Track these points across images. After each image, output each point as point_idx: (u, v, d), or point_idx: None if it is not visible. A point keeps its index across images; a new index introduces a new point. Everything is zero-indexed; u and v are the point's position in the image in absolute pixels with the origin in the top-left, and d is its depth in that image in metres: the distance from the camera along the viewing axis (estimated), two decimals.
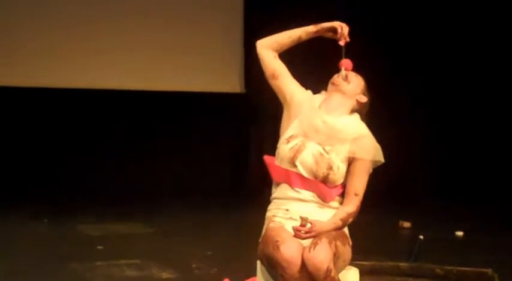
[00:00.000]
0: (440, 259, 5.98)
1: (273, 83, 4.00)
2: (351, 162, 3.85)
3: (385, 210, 8.37)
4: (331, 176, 3.82)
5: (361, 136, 3.87)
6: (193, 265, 5.98)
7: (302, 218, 3.65)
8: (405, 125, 9.43)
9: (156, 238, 7.16)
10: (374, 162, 3.88)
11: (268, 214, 3.92)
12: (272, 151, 3.99)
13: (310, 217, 3.67)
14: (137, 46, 9.13)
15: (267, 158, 3.98)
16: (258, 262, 3.90)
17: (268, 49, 4.00)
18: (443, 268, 5.69)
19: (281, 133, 3.96)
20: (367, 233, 6.42)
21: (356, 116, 3.94)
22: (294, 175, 3.83)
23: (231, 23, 9.51)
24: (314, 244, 3.59)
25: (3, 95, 8.73)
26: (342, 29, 3.96)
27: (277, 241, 3.63)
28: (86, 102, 9.04)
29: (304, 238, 3.64)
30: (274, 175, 3.93)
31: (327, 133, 3.84)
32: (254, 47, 4.06)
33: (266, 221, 3.91)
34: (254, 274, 4.06)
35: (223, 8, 9.54)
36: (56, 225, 7.44)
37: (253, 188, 8.69)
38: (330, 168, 3.81)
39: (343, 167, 3.84)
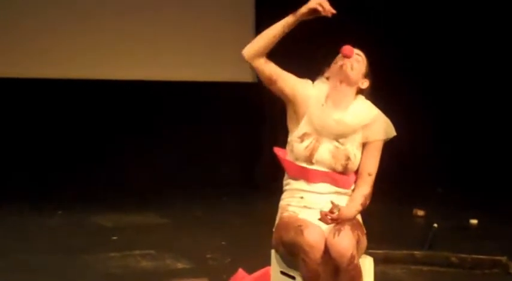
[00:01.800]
0: (455, 247, 5.98)
1: (273, 88, 3.88)
2: (364, 145, 3.87)
3: (399, 198, 8.36)
4: (349, 166, 3.83)
5: (371, 121, 3.86)
6: (208, 255, 5.99)
7: (333, 204, 3.65)
8: (419, 113, 9.37)
9: (169, 229, 7.16)
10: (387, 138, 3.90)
11: (282, 202, 3.92)
12: (284, 141, 3.96)
13: (328, 204, 3.67)
14: (149, 36, 9.10)
15: (277, 150, 3.97)
16: (273, 251, 3.90)
17: (256, 57, 3.82)
18: (458, 256, 5.70)
19: (290, 129, 3.92)
20: (381, 221, 6.44)
21: (361, 98, 3.91)
22: (312, 172, 3.82)
23: (243, 12, 9.47)
24: (338, 231, 3.62)
25: (24, 86, 8.73)
26: (323, 6, 3.75)
27: (300, 226, 3.64)
28: (98, 94, 9.02)
29: (329, 224, 3.66)
30: (290, 171, 3.91)
31: (341, 130, 3.83)
32: None
33: (280, 210, 3.91)
34: (268, 264, 4.06)
35: None
36: (70, 216, 7.45)
37: (266, 179, 8.67)
38: (348, 158, 3.83)
39: (359, 154, 3.86)
